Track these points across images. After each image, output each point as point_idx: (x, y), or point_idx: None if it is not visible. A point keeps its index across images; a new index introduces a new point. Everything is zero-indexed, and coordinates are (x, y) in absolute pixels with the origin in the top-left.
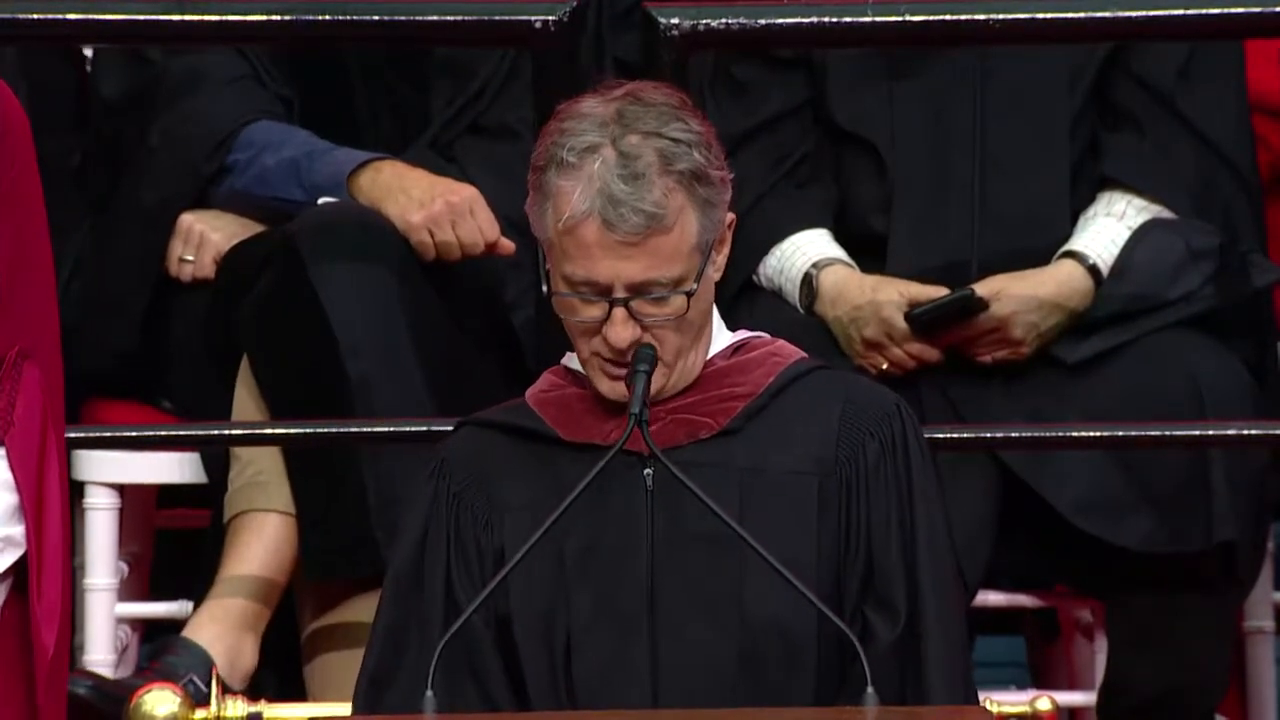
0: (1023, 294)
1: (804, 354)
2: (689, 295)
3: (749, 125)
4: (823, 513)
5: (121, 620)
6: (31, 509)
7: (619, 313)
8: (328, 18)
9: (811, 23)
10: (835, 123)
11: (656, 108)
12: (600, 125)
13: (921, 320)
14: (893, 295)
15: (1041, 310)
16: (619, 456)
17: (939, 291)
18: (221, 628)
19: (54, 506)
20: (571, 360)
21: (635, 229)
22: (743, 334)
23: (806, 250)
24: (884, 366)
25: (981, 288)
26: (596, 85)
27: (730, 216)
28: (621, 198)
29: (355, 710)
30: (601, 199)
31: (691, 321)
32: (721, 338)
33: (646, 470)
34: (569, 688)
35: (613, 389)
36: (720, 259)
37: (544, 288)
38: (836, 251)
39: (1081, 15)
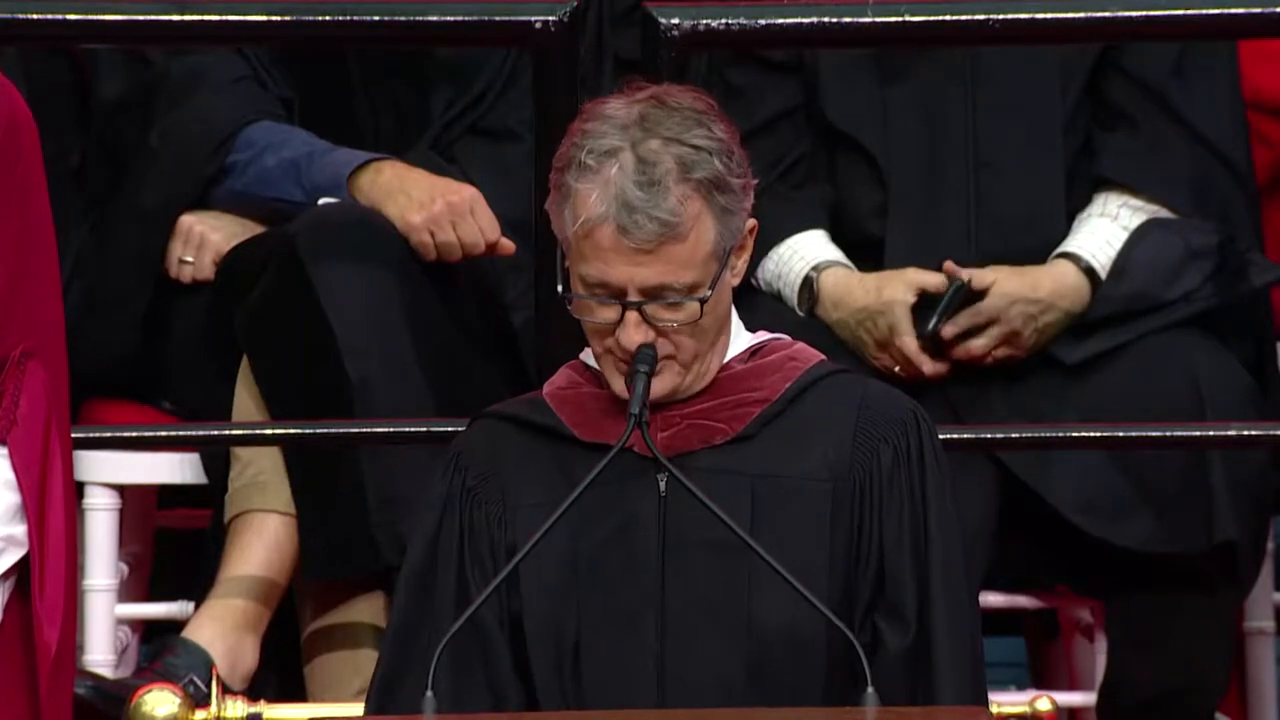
0: (1019, 288)
1: (823, 357)
2: (703, 302)
3: (744, 129)
4: (836, 520)
5: (121, 621)
6: (34, 508)
7: (632, 316)
8: (328, 18)
9: (811, 23)
10: (829, 126)
11: (680, 112)
12: (622, 128)
13: (936, 332)
14: (899, 293)
15: (1039, 305)
16: (634, 460)
17: (939, 278)
18: (222, 628)
19: (57, 506)
20: (589, 356)
21: (650, 236)
22: (762, 336)
23: (804, 253)
24: (896, 369)
25: (981, 276)
26: (624, 86)
27: (752, 222)
28: (637, 204)
29: (368, 707)
30: (617, 205)
31: (707, 327)
32: (740, 340)
33: (660, 475)
34: (576, 690)
35: (624, 388)
36: (740, 264)
37: (559, 286)
38: (835, 254)
39: (1081, 15)
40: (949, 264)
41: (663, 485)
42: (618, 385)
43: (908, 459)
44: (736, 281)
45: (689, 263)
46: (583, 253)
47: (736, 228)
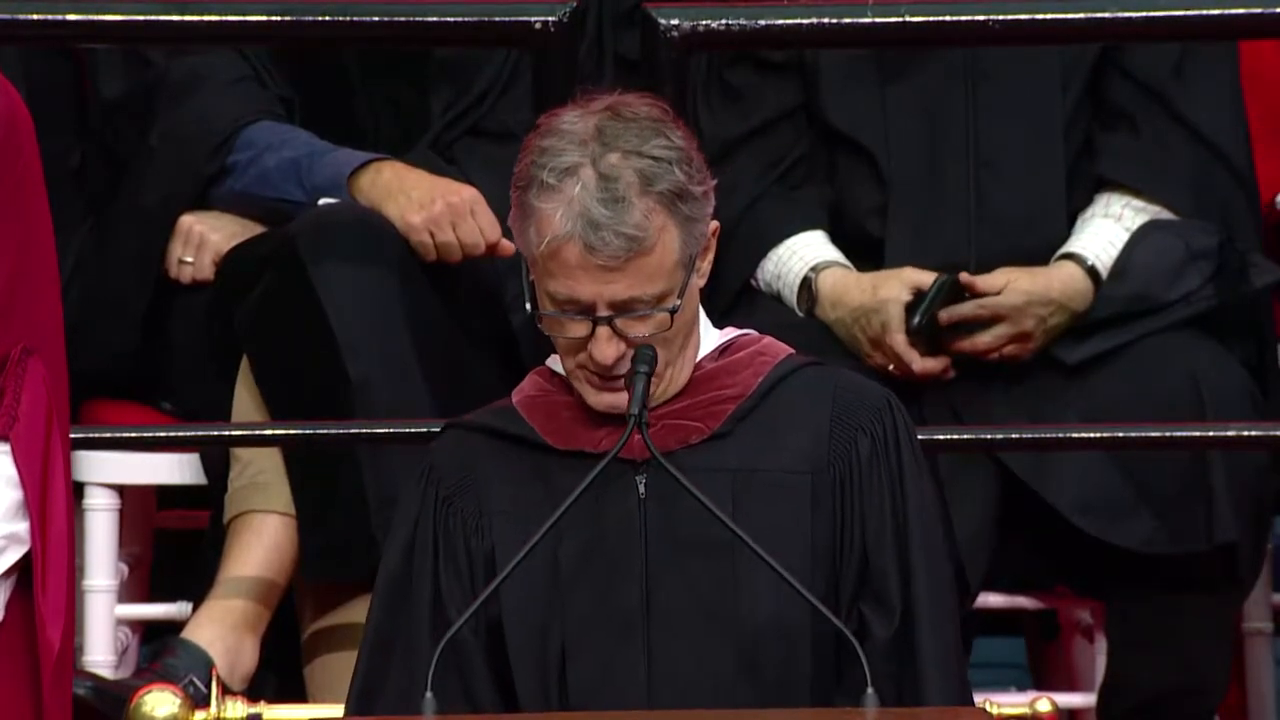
0: (1032, 288)
1: (791, 350)
2: (672, 312)
3: (743, 130)
4: (816, 511)
5: (121, 621)
6: (36, 506)
7: (603, 330)
8: (328, 18)
9: (811, 23)
10: (829, 126)
11: (637, 123)
12: (579, 144)
13: (924, 325)
14: (894, 291)
15: (1049, 307)
16: (611, 464)
17: (933, 277)
18: (221, 629)
19: (59, 503)
20: (556, 363)
21: (617, 252)
22: (730, 332)
23: (803, 254)
24: (890, 368)
25: (989, 279)
26: (577, 96)
27: (714, 225)
28: (602, 221)
29: (346, 715)
30: (582, 222)
31: (676, 334)
32: (709, 338)
33: (639, 477)
34: (561, 695)
35: (600, 400)
36: (705, 265)
37: (527, 305)
38: (833, 254)
39: (1081, 15)
40: (964, 275)
41: (641, 487)
42: (593, 399)
43: (885, 447)
44: (703, 282)
45: (656, 274)
46: (549, 270)
47: (700, 233)
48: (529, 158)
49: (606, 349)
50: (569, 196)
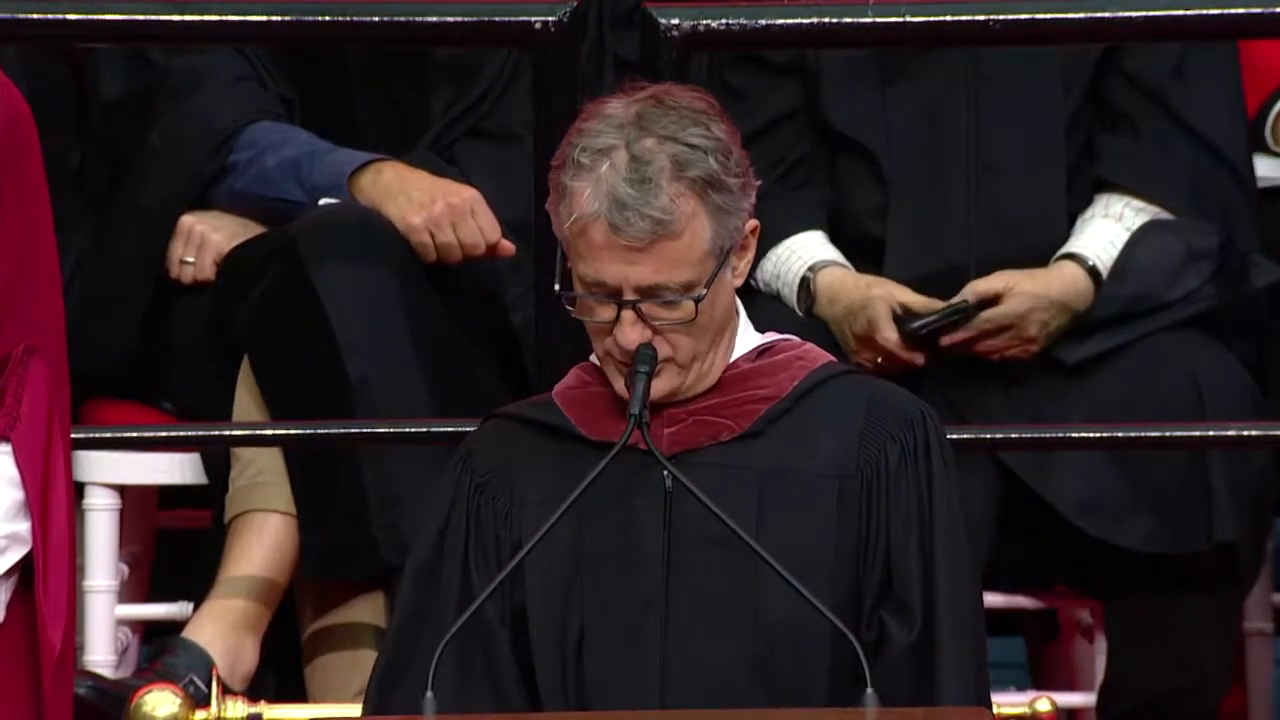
0: (1035, 291)
1: (831, 358)
2: (698, 301)
3: (744, 131)
4: (842, 515)
5: (122, 621)
6: (37, 505)
7: (628, 315)
8: (328, 18)
9: (811, 23)
10: (830, 128)
11: (678, 111)
12: (618, 127)
13: (919, 335)
14: (884, 291)
15: (1051, 309)
16: (639, 457)
17: (933, 303)
18: (222, 628)
19: (60, 503)
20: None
21: (641, 234)
22: (770, 336)
23: (802, 254)
24: (879, 361)
25: (990, 282)
26: (626, 85)
27: (753, 223)
28: (628, 202)
29: (368, 699)
30: (609, 202)
31: (705, 326)
32: (747, 339)
33: (665, 471)
34: (579, 686)
35: (625, 388)
36: (742, 265)
37: (556, 285)
38: (832, 253)
39: (1081, 15)
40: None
41: (668, 481)
42: (619, 386)
43: (914, 456)
44: (739, 282)
45: (683, 261)
46: (578, 251)
47: (734, 227)
48: (568, 139)
49: (630, 333)
50: (598, 176)
